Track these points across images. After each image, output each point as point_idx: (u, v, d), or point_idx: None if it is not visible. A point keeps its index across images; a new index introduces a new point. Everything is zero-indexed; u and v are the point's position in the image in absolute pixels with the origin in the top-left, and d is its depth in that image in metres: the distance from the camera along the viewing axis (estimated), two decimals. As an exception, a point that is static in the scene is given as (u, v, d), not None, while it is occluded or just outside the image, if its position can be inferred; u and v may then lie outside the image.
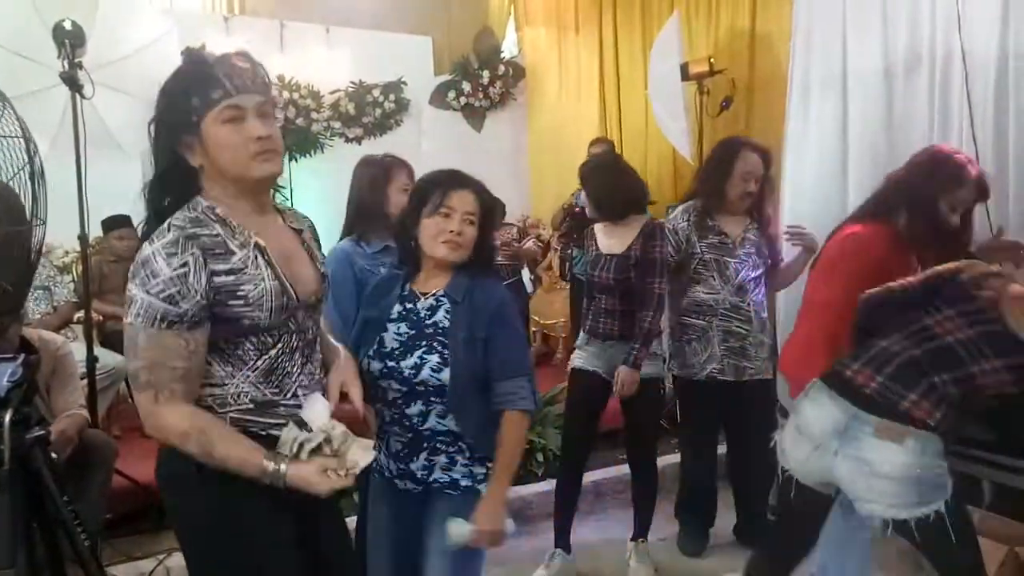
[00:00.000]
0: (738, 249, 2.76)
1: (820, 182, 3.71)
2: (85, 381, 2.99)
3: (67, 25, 2.92)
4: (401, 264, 1.79)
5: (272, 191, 1.58)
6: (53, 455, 1.64)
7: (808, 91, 3.91)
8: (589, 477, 3.05)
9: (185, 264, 1.28)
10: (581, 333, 2.79)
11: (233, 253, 1.34)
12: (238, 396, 1.37)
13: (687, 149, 4.87)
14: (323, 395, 1.46)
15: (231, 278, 1.32)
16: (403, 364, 1.64)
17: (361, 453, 1.34)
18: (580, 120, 5.96)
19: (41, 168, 1.56)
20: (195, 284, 1.28)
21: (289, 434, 1.33)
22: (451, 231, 1.64)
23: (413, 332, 1.66)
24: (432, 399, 1.63)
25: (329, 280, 1.59)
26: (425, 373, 1.61)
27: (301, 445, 1.31)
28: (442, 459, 1.67)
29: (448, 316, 1.65)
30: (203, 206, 1.36)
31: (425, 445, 1.66)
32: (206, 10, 5.41)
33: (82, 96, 2.95)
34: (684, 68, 4.72)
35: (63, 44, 2.91)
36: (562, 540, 2.74)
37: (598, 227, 2.77)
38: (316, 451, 1.31)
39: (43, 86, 3.48)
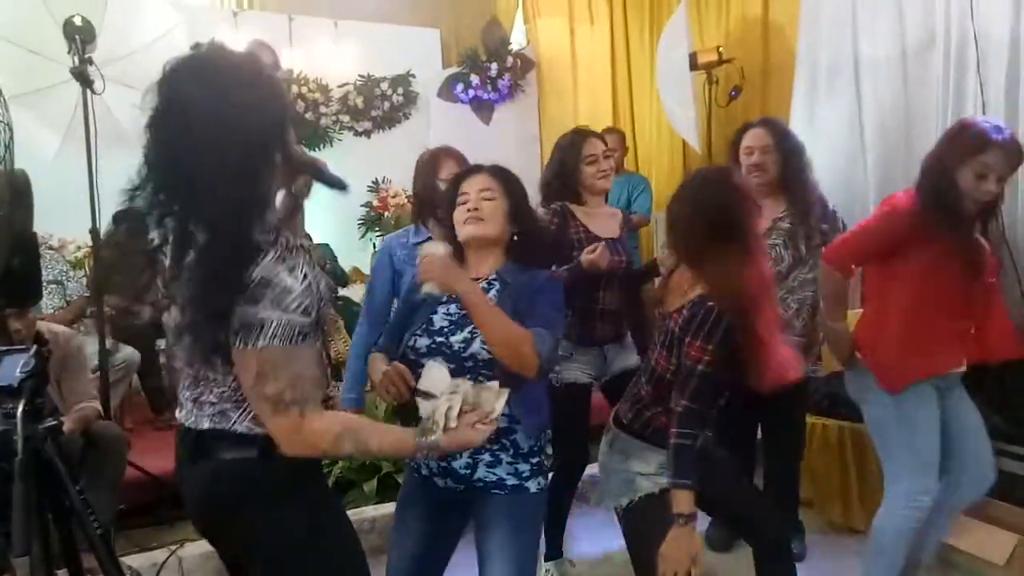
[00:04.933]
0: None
1: (837, 165, 3.69)
2: (97, 374, 3.02)
3: (77, 21, 2.94)
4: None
5: None
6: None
7: (816, 77, 3.89)
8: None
9: (306, 274, 1.22)
10: (563, 342, 2.33)
11: None
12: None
13: (695, 139, 4.84)
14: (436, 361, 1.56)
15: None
16: (453, 339, 1.63)
17: (493, 397, 1.40)
18: (593, 111, 5.92)
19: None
20: (317, 289, 1.23)
21: (427, 408, 1.39)
22: (469, 209, 1.70)
23: (464, 311, 1.62)
24: (481, 376, 1.57)
25: None
26: (476, 346, 1.60)
27: (446, 414, 1.35)
28: (486, 456, 1.63)
29: (497, 296, 1.66)
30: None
31: None
32: (215, 4, 5.41)
33: (93, 91, 2.97)
34: (693, 57, 4.68)
35: (73, 40, 2.94)
36: (555, 551, 2.66)
37: (576, 209, 2.50)
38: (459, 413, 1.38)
39: (54, 82, 3.50)
